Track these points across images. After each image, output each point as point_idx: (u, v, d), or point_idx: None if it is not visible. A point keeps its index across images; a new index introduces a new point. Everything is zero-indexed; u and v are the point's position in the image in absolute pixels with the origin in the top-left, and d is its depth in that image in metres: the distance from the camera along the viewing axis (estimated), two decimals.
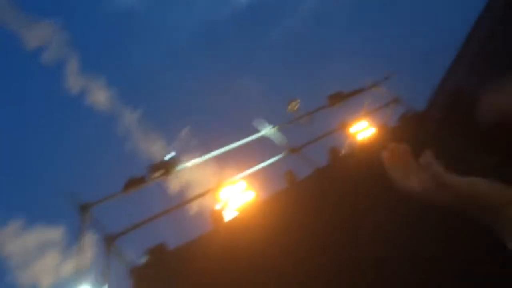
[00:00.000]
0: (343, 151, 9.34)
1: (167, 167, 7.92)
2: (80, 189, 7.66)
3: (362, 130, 9.28)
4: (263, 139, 9.10)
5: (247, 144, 9.10)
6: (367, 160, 8.44)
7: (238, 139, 9.01)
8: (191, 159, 8.60)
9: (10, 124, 30.62)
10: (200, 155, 8.68)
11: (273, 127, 9.11)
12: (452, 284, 6.38)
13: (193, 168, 8.51)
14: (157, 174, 7.94)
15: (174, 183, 8.43)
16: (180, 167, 8.21)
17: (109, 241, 6.65)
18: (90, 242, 7.45)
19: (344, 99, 10.03)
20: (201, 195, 7.58)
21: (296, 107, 10.57)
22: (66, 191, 7.18)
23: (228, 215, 7.06)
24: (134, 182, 8.00)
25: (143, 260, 6.38)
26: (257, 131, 9.10)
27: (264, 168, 8.45)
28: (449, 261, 6.45)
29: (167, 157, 8.30)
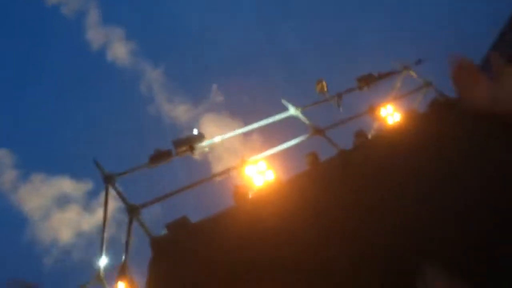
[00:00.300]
0: (370, 135, 9.18)
1: (192, 143, 7.96)
2: (103, 155, 7.76)
3: (391, 114, 9.07)
4: (289, 119, 9.02)
5: (272, 123, 9.04)
6: (395, 145, 8.28)
7: (265, 115, 8.95)
8: (215, 136, 8.62)
9: (32, 78, 31.15)
10: (225, 131, 8.70)
11: (299, 107, 8.99)
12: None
13: (217, 144, 8.53)
14: (181, 149, 8.00)
15: (198, 158, 8.46)
16: (205, 143, 8.24)
17: (132, 211, 6.77)
18: (113, 213, 7.64)
19: (374, 82, 9.80)
20: (223, 172, 7.60)
21: (325, 88, 10.40)
22: (90, 157, 7.32)
23: (250, 194, 7.08)
24: (160, 156, 8.09)
25: (164, 232, 6.49)
26: (283, 110, 9.02)
27: (287, 149, 8.40)
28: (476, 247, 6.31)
29: (192, 133, 8.35)
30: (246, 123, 9.00)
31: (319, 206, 6.81)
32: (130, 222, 6.85)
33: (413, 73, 9.98)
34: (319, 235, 6.38)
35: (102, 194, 7.57)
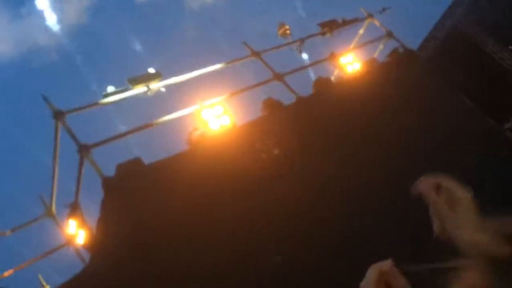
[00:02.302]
0: (330, 82, 9.17)
1: (147, 81, 7.69)
2: (52, 91, 7.40)
3: (351, 62, 9.05)
4: (248, 63, 8.83)
5: (231, 66, 8.83)
6: (352, 93, 8.36)
7: (223, 60, 8.73)
8: (173, 76, 8.35)
9: None
10: (183, 73, 8.43)
11: (260, 51, 8.78)
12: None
13: (174, 86, 8.29)
14: (137, 87, 7.73)
15: (153, 99, 8.23)
16: (162, 83, 7.99)
17: (84, 150, 6.60)
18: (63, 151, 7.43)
19: (337, 28, 9.66)
20: (179, 114, 7.46)
21: (288, 32, 10.18)
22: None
23: (205, 138, 7.01)
24: (113, 93, 7.80)
25: (116, 172, 6.39)
26: (243, 54, 8.79)
27: (246, 94, 8.29)
28: None
29: (148, 71, 8.04)
30: (206, 65, 8.75)
31: (274, 153, 6.88)
32: (81, 161, 6.69)
33: (376, 22, 9.90)
34: (272, 179, 6.48)
35: None
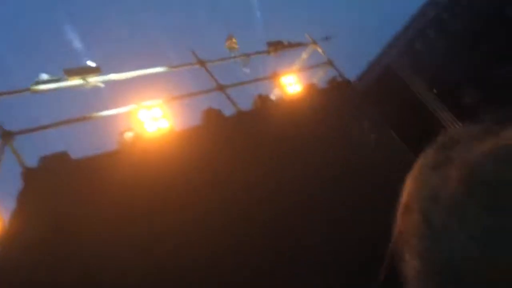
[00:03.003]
0: (269, 100, 9.40)
1: (84, 74, 7.43)
2: None
3: (291, 84, 9.37)
4: (193, 70, 8.84)
5: (176, 72, 8.79)
6: (290, 113, 8.63)
7: (166, 64, 8.66)
8: (113, 72, 8.14)
9: None
10: (124, 71, 8.25)
11: (205, 61, 8.84)
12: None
13: (113, 82, 8.08)
14: (72, 79, 7.44)
15: (90, 93, 7.97)
16: (99, 78, 7.76)
17: (6, 137, 6.22)
18: None
19: (282, 49, 9.98)
20: (114, 111, 7.27)
21: (235, 45, 10.33)
22: None
23: (139, 139, 6.89)
24: (46, 81, 7.45)
25: (40, 164, 6.08)
26: (191, 60, 8.79)
27: (187, 101, 8.28)
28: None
29: (87, 64, 7.78)
30: (150, 66, 8.63)
31: (205, 161, 6.90)
32: (2, 148, 6.29)
33: (319, 49, 10.35)
34: (201, 188, 6.49)
35: None
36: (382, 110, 9.76)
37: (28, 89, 7.17)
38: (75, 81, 7.50)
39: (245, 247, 6.31)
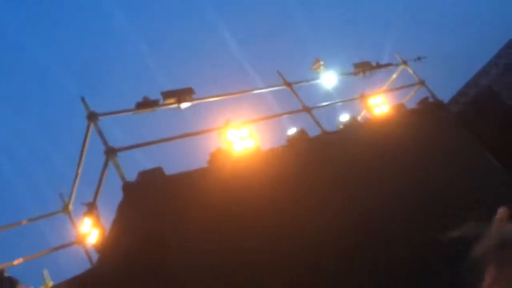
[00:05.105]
0: (358, 121, 9.28)
1: (180, 96, 7.94)
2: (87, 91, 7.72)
3: (380, 105, 9.16)
4: (279, 92, 9.04)
5: (263, 94, 9.06)
6: (378, 134, 8.43)
7: (259, 83, 8.95)
8: (206, 96, 8.61)
9: None
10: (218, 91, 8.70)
11: (293, 82, 9.00)
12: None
13: (205, 104, 8.53)
14: (169, 101, 7.99)
15: (184, 114, 8.48)
16: (193, 100, 8.23)
17: (109, 153, 6.81)
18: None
19: (370, 70, 9.84)
20: (206, 131, 7.65)
21: (321, 68, 10.39)
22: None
23: (229, 157, 7.16)
24: (146, 104, 8.07)
25: (138, 178, 6.56)
26: (280, 83, 9.02)
27: (272, 121, 8.46)
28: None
29: (182, 88, 8.31)
30: (239, 88, 9.01)
31: (292, 181, 6.95)
32: (106, 163, 6.90)
33: (410, 69, 10.04)
34: (285, 207, 6.54)
35: None
36: (478, 132, 9.13)
37: (130, 110, 7.82)
38: (171, 103, 8.04)
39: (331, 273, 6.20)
